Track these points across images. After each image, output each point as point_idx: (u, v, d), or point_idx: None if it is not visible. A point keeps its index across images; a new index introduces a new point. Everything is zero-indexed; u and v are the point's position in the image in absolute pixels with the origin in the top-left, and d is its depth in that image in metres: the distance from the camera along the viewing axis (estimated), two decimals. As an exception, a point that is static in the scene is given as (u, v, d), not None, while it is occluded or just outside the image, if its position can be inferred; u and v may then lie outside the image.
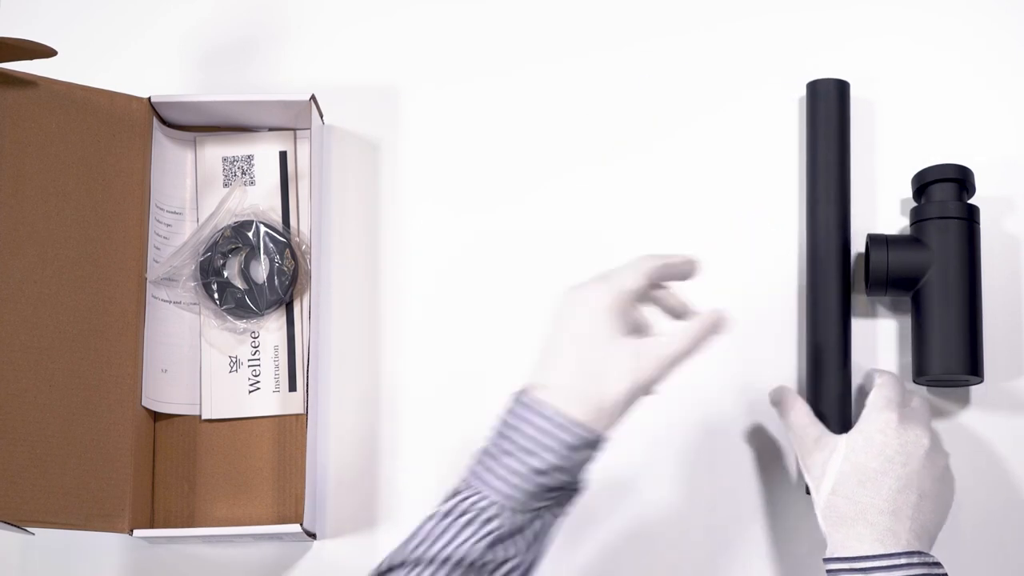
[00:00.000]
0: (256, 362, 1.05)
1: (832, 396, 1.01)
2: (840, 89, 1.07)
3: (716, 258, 1.06)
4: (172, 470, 1.03)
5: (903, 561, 0.87)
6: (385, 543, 1.02)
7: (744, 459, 1.04)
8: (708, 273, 1.01)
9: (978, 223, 1.02)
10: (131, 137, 1.02)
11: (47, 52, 0.94)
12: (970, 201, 1.04)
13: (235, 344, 1.04)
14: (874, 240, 1.03)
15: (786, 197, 1.09)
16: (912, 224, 1.04)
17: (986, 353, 1.02)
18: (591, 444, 0.83)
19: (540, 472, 0.82)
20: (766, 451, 1.04)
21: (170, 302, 1.04)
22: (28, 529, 0.91)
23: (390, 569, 0.84)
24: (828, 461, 0.92)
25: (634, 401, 0.85)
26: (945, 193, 1.03)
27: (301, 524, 0.97)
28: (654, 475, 1.04)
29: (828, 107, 1.06)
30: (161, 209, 1.05)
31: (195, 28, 1.12)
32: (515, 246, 1.08)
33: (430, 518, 0.84)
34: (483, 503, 0.83)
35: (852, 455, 0.91)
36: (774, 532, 1.03)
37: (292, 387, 1.04)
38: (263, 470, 1.03)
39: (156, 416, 1.03)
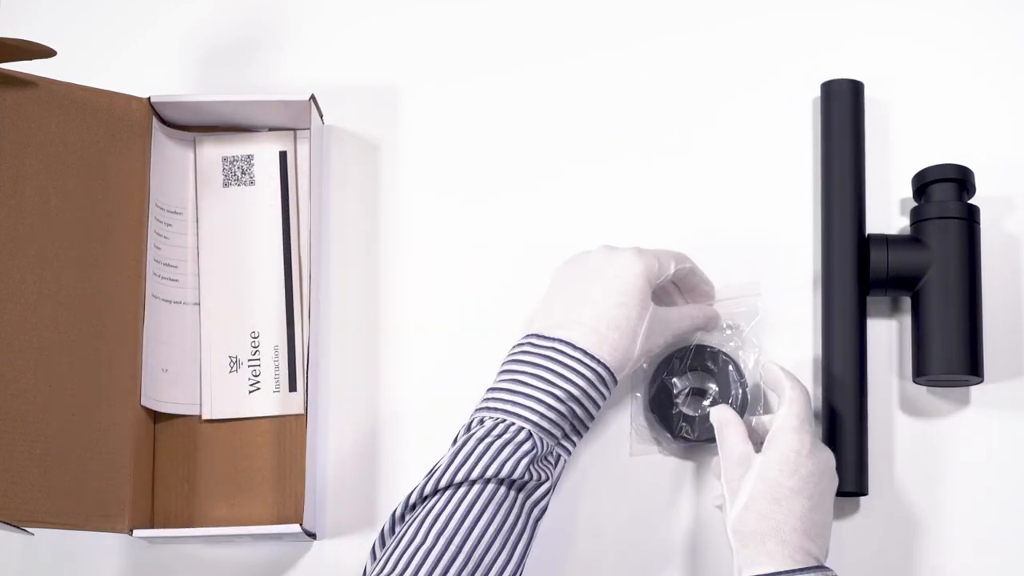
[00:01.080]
0: (256, 362, 1.05)
1: (847, 394, 1.02)
2: (854, 89, 1.06)
3: (730, 257, 1.07)
4: (172, 470, 1.03)
5: (817, 575, 0.89)
6: (385, 543, 1.03)
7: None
8: (722, 272, 1.03)
9: (978, 223, 1.02)
10: (131, 137, 1.02)
11: (47, 52, 0.94)
12: (970, 201, 1.04)
13: None
14: (874, 240, 1.03)
15: (800, 197, 1.08)
16: (912, 224, 1.04)
17: (986, 353, 1.02)
18: (609, 384, 0.93)
19: (572, 397, 0.92)
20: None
21: (170, 301, 1.04)
22: (28, 529, 0.91)
23: (436, 491, 0.89)
24: (743, 477, 0.92)
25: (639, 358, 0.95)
26: (945, 193, 1.03)
27: (301, 524, 0.97)
28: (659, 472, 1.04)
29: (842, 107, 1.06)
30: (161, 209, 1.05)
31: (195, 28, 1.12)
32: (516, 246, 1.08)
33: (463, 444, 0.91)
34: (514, 427, 0.91)
35: (767, 472, 0.91)
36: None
37: (292, 387, 1.04)
38: (263, 470, 1.03)
39: (156, 416, 1.03)
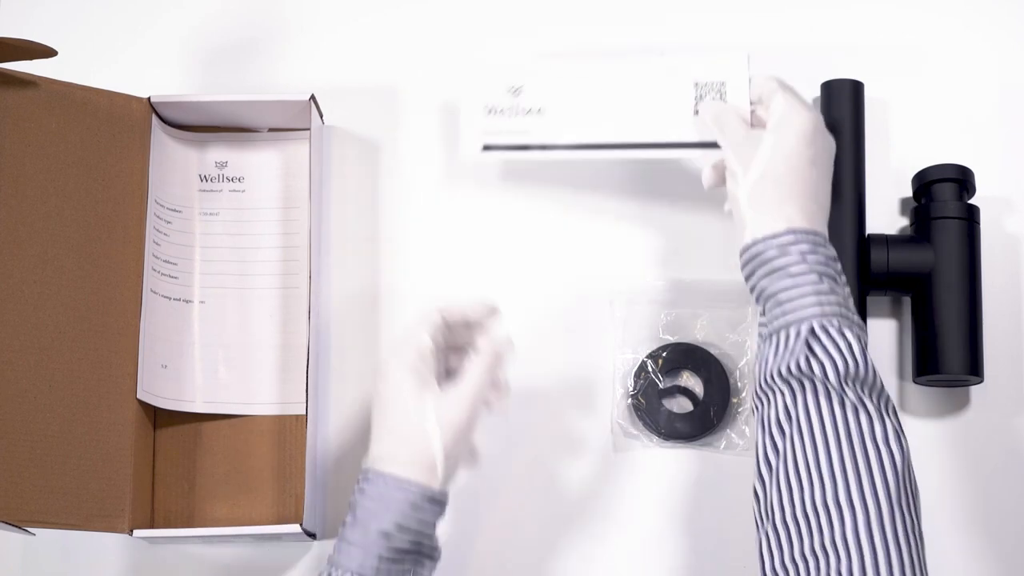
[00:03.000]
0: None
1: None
2: (854, 89, 1.06)
3: (730, 257, 1.06)
4: (172, 470, 1.03)
5: (825, 242, 0.90)
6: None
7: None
8: (721, 272, 1.03)
9: (978, 223, 1.02)
10: (131, 137, 1.02)
11: (47, 52, 0.94)
12: (970, 201, 1.04)
13: None
14: (874, 240, 1.03)
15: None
16: (912, 224, 1.04)
17: (986, 353, 1.02)
18: (432, 500, 0.87)
19: (385, 534, 0.85)
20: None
21: (170, 298, 1.04)
22: (28, 529, 0.91)
23: None
24: (757, 151, 0.92)
25: (463, 447, 0.88)
26: (945, 193, 1.03)
27: (301, 524, 0.97)
28: (643, 468, 1.04)
29: (842, 107, 1.06)
30: (161, 206, 1.04)
31: (195, 28, 1.12)
32: (515, 246, 1.08)
33: None
34: None
35: (784, 143, 0.92)
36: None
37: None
38: (263, 470, 1.03)
39: (156, 416, 1.03)
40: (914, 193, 1.05)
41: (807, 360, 0.85)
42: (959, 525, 1.03)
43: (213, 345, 1.05)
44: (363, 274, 1.08)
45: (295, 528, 0.97)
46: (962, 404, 1.05)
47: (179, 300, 1.04)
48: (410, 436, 0.87)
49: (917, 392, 1.05)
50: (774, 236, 0.89)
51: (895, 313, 1.06)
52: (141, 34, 1.12)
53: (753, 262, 0.89)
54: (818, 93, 1.09)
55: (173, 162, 1.06)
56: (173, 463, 1.03)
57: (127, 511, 0.96)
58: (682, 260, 1.07)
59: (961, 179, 1.03)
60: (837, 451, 0.82)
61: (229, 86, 1.10)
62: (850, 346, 0.85)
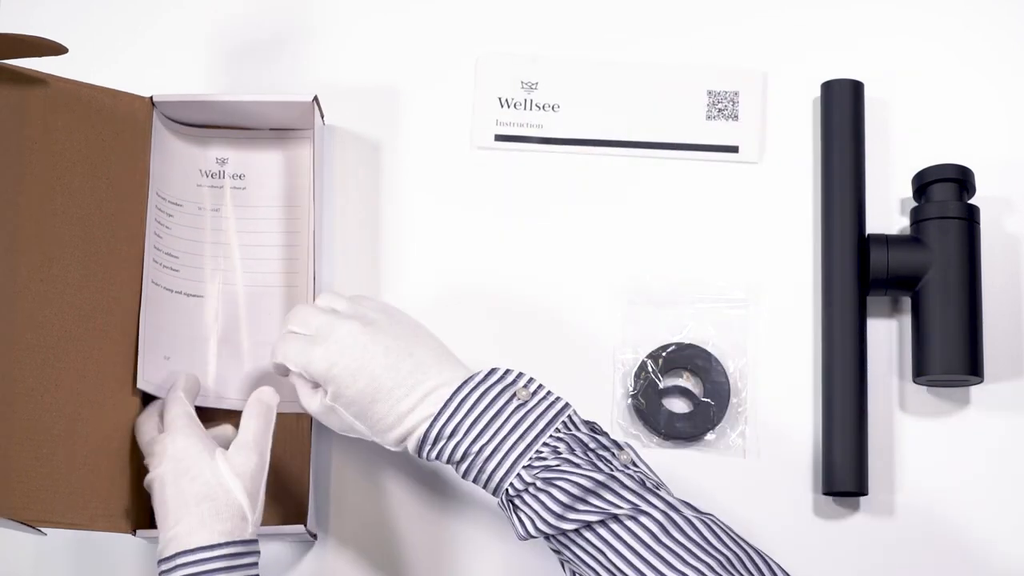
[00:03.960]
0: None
1: (847, 394, 1.02)
2: (854, 89, 1.07)
3: (730, 258, 1.07)
4: (174, 470, 1.03)
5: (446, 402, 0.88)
6: (387, 543, 1.03)
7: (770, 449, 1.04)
8: (722, 272, 1.03)
9: (978, 223, 1.03)
10: (134, 136, 1.02)
11: (59, 49, 0.94)
12: (970, 201, 1.04)
13: None
14: (874, 240, 1.03)
15: (800, 197, 1.09)
16: (912, 224, 1.04)
17: (986, 353, 1.03)
18: (248, 546, 0.90)
19: None
20: (787, 441, 1.04)
21: (171, 290, 1.04)
22: (40, 529, 0.91)
23: None
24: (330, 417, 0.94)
25: (262, 487, 0.92)
26: (945, 193, 1.03)
27: (304, 524, 0.97)
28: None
29: (842, 107, 1.06)
30: (162, 199, 1.04)
31: (198, 28, 1.12)
32: (516, 246, 1.08)
33: None
34: None
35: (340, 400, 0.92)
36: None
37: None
38: (264, 470, 1.03)
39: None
40: (914, 193, 1.06)
41: (522, 525, 0.86)
42: (959, 525, 1.03)
43: (213, 339, 1.05)
44: (363, 274, 1.08)
45: (298, 529, 0.97)
46: (962, 404, 1.05)
47: (180, 293, 1.04)
48: (211, 495, 0.90)
49: (917, 392, 1.05)
50: (422, 445, 0.89)
51: (895, 313, 1.07)
52: (144, 33, 1.12)
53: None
54: (818, 93, 1.09)
55: (174, 157, 1.06)
56: (174, 463, 1.03)
57: (131, 511, 0.96)
58: (682, 260, 1.07)
59: (961, 179, 1.03)
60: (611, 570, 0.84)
61: (231, 86, 1.10)
62: (536, 498, 0.85)
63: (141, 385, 0.99)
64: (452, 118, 1.11)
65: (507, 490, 0.86)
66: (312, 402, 0.93)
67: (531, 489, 0.85)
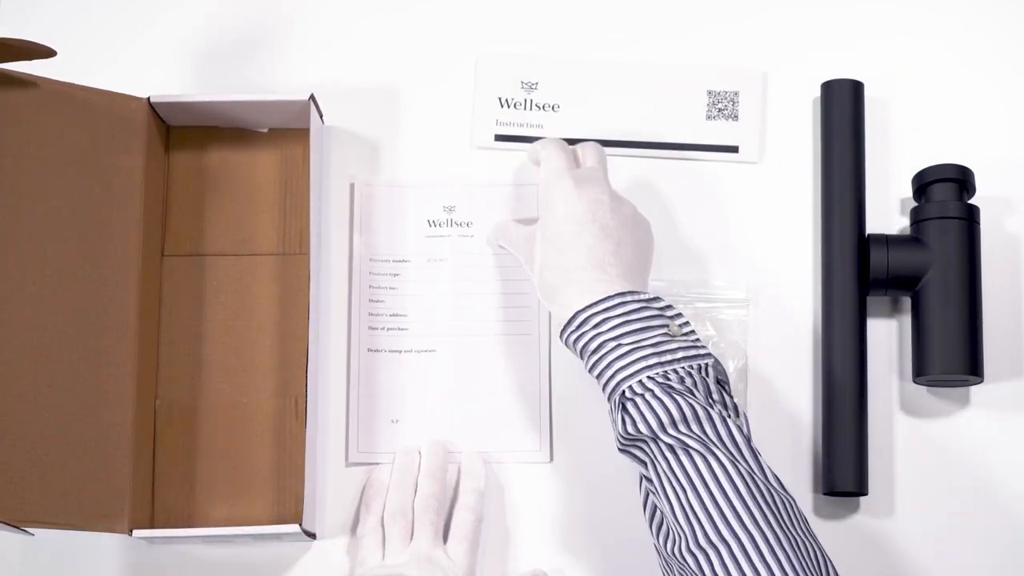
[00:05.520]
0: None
1: (847, 394, 1.02)
2: (854, 89, 1.06)
3: (730, 258, 1.07)
4: (171, 470, 1.03)
5: (616, 302, 0.90)
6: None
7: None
8: (722, 272, 1.03)
9: (978, 223, 1.03)
10: (130, 137, 1.02)
11: (47, 52, 0.94)
12: (970, 201, 1.04)
13: None
14: (874, 240, 1.03)
15: (800, 197, 1.08)
16: (912, 224, 1.04)
17: (986, 353, 1.02)
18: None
19: None
20: (787, 441, 1.04)
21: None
22: (28, 530, 0.91)
23: None
24: (534, 247, 0.96)
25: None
26: (945, 193, 1.03)
27: (300, 524, 0.97)
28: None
29: (842, 107, 1.06)
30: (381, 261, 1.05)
31: (195, 28, 1.12)
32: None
33: None
34: None
35: (547, 231, 0.95)
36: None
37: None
38: (262, 470, 1.03)
39: (156, 416, 1.03)
40: (914, 193, 1.05)
41: (623, 424, 0.88)
42: (959, 525, 1.03)
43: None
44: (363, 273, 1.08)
45: (295, 528, 0.97)
46: (962, 404, 1.05)
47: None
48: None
49: (917, 392, 1.05)
50: (568, 324, 0.92)
51: (895, 313, 1.06)
52: (141, 34, 1.12)
53: (570, 349, 0.93)
54: (818, 93, 1.09)
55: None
56: (173, 463, 1.03)
57: (127, 511, 0.96)
58: (682, 260, 1.07)
59: (961, 179, 1.03)
60: (687, 496, 0.85)
61: (229, 86, 1.10)
62: (649, 404, 0.87)
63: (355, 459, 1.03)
64: (452, 118, 1.11)
65: (624, 391, 0.88)
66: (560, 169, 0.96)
67: (647, 396, 0.87)
